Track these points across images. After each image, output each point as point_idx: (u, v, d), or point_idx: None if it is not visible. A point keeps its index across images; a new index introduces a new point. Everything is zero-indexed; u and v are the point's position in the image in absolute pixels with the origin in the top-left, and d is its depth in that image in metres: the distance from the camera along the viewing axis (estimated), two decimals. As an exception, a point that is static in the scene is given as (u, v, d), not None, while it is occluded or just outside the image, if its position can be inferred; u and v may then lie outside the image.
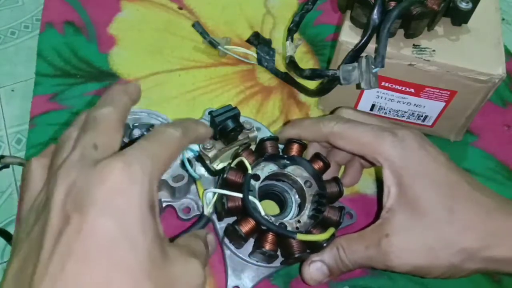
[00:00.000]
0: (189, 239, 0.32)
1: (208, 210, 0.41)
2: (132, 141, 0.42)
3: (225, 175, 0.40)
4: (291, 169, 0.42)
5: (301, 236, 0.37)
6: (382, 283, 0.43)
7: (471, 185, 0.37)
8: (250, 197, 0.39)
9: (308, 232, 0.39)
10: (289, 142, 0.43)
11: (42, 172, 0.29)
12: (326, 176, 0.43)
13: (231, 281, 0.40)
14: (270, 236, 0.39)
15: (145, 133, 0.43)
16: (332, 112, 0.45)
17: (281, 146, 0.44)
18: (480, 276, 0.43)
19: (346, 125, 0.40)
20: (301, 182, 0.42)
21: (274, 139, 0.43)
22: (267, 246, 0.38)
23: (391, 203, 0.37)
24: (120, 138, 0.29)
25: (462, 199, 0.36)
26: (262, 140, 0.42)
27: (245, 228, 0.38)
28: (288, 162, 0.42)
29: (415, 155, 0.37)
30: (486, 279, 0.43)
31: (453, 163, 0.38)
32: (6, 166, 0.42)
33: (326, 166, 0.42)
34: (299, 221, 0.40)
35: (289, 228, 0.39)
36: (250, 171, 0.39)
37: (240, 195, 0.38)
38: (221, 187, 0.41)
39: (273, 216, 0.43)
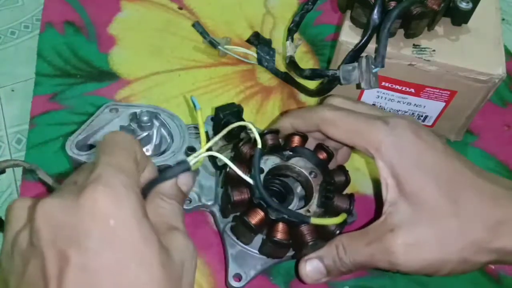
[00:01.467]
0: (159, 206, 0.30)
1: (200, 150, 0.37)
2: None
3: (228, 169, 0.39)
4: (294, 161, 0.41)
5: (315, 220, 0.36)
6: (383, 283, 0.43)
7: (473, 171, 0.35)
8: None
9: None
10: (289, 135, 0.42)
11: (24, 213, 0.27)
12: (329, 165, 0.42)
13: (233, 268, 0.39)
14: (280, 226, 0.38)
15: (153, 120, 0.44)
16: (322, 101, 0.45)
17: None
18: (480, 276, 0.43)
19: (337, 113, 0.39)
20: (306, 173, 0.41)
21: (275, 132, 0.42)
22: (279, 235, 0.37)
23: (392, 196, 0.35)
24: None
25: (465, 187, 0.34)
26: (263, 134, 0.42)
27: (254, 219, 0.37)
28: (291, 153, 0.41)
29: (409, 144, 0.35)
30: (487, 278, 0.43)
31: (451, 149, 0.36)
32: (3, 171, 0.42)
33: (330, 156, 0.41)
34: (308, 211, 0.39)
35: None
36: (259, 145, 0.37)
37: (250, 180, 0.36)
38: (225, 182, 0.40)
39: None
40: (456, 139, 0.53)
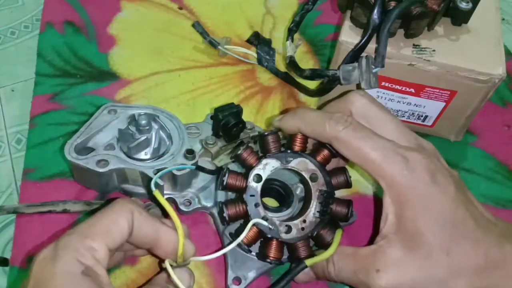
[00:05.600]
0: None
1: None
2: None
3: (225, 182, 0.39)
4: (295, 163, 0.40)
5: (310, 261, 0.37)
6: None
7: (474, 220, 0.34)
8: (257, 220, 0.38)
9: (315, 234, 0.39)
10: (293, 134, 0.41)
11: None
12: (333, 164, 0.41)
13: (232, 272, 0.40)
14: (274, 243, 0.38)
15: (151, 122, 0.43)
16: (342, 95, 0.41)
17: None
18: None
19: (354, 134, 0.36)
20: (306, 176, 0.40)
21: (276, 133, 0.41)
22: (272, 254, 0.38)
23: (388, 231, 0.35)
24: None
25: (462, 239, 0.34)
26: (263, 135, 0.41)
27: (247, 237, 0.38)
28: (291, 158, 0.40)
29: (423, 188, 0.34)
30: None
31: (462, 194, 0.35)
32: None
33: (333, 154, 0.40)
34: (304, 221, 0.39)
35: (293, 230, 0.38)
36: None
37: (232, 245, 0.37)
38: (221, 191, 0.41)
39: (274, 208, 0.43)
40: (456, 139, 0.53)
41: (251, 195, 0.39)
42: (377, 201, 0.47)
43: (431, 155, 0.36)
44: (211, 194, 0.44)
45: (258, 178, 0.40)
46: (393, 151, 0.35)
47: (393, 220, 0.35)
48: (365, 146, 0.36)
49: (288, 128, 0.41)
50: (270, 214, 0.40)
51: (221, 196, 0.43)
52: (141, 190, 0.44)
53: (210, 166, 0.44)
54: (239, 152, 0.40)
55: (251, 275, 0.40)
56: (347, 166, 0.42)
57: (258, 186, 0.39)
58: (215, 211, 0.43)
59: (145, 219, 0.33)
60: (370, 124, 0.38)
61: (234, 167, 0.43)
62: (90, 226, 0.31)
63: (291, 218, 0.41)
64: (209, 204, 0.43)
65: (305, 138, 0.41)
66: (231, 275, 0.40)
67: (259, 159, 0.40)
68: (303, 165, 0.40)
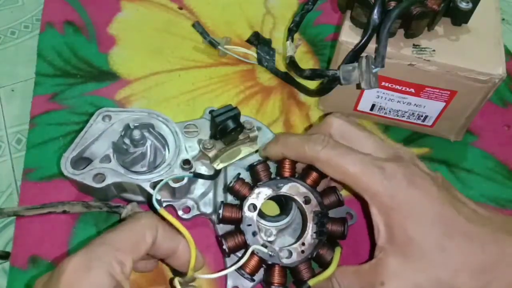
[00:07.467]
0: None
1: None
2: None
3: (221, 216, 0.39)
4: (286, 189, 0.41)
5: (313, 281, 0.37)
6: None
7: (465, 216, 0.35)
8: (257, 246, 0.38)
9: (315, 255, 0.39)
10: (281, 159, 0.41)
11: None
12: (324, 184, 0.42)
13: (231, 281, 0.40)
14: (277, 269, 0.38)
15: (145, 133, 0.43)
16: (324, 116, 0.42)
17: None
18: None
19: (333, 152, 0.37)
20: (299, 200, 0.41)
21: (264, 161, 0.42)
22: (276, 280, 0.38)
23: (383, 242, 0.36)
24: None
25: (455, 235, 0.34)
26: (252, 166, 0.42)
27: (248, 267, 0.38)
28: (282, 184, 0.41)
29: (404, 193, 0.35)
30: None
31: (446, 193, 0.36)
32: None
33: (321, 175, 0.41)
34: (303, 244, 0.39)
35: (294, 254, 0.39)
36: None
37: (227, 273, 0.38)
38: (219, 224, 0.41)
39: (273, 217, 0.43)
40: (456, 139, 0.53)
41: (248, 225, 0.39)
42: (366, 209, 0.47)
43: (408, 163, 0.37)
44: (210, 201, 0.44)
45: (253, 207, 0.40)
46: (371, 163, 0.36)
47: (384, 231, 0.36)
48: (344, 162, 0.37)
49: (273, 155, 0.42)
50: (269, 224, 0.40)
51: (221, 228, 0.43)
52: (140, 198, 0.44)
53: (208, 169, 0.44)
54: (231, 185, 0.41)
55: (250, 284, 0.40)
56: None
57: (254, 215, 0.40)
58: (215, 217, 0.43)
59: (167, 234, 0.35)
60: (349, 142, 0.39)
61: (229, 198, 0.43)
62: (120, 239, 0.32)
63: (287, 227, 0.41)
64: (208, 211, 0.43)
65: (293, 163, 0.41)
66: (229, 285, 0.40)
67: (251, 189, 0.41)
68: (295, 189, 0.41)
